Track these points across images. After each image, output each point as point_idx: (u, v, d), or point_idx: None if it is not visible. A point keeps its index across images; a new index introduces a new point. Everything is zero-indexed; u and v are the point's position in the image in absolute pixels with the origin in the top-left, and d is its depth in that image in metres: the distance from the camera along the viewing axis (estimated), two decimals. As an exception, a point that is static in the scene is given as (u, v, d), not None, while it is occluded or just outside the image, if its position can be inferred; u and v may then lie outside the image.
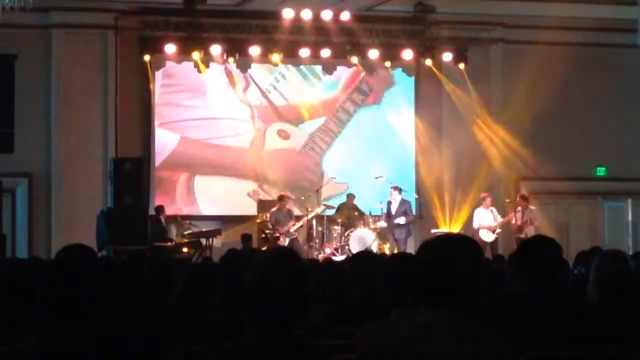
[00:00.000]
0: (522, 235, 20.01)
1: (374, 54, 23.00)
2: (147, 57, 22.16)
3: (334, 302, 7.00)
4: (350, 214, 22.17)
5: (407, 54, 23.20)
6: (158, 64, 22.59)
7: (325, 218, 22.11)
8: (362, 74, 23.71)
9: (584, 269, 8.30)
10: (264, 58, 22.61)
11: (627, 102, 24.26)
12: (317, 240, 22.02)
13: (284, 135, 23.39)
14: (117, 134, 22.05)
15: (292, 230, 21.32)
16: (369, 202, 22.42)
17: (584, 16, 23.32)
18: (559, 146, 23.56)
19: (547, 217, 22.73)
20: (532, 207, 21.69)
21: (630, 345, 4.64)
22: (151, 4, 22.32)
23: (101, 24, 22.02)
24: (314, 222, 22.01)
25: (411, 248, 21.06)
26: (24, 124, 21.18)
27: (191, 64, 22.54)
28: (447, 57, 23.23)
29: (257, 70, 23.19)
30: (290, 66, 23.28)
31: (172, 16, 22.05)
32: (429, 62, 23.26)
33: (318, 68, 23.57)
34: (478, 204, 22.05)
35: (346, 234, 21.91)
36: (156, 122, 22.55)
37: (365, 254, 8.25)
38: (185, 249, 20.84)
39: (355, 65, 23.32)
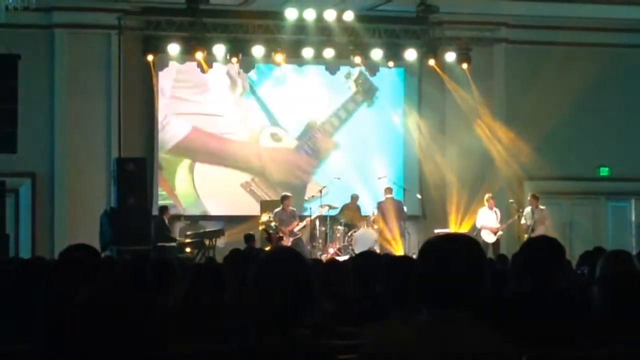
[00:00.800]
0: (533, 235, 19.99)
1: (377, 54, 23.00)
2: (150, 57, 22.16)
3: (337, 302, 7.00)
4: (353, 215, 22.19)
5: (410, 54, 23.19)
6: (161, 64, 22.60)
7: (328, 218, 22.11)
8: (362, 74, 23.74)
9: (588, 269, 8.31)
10: (267, 58, 22.62)
11: (630, 102, 24.26)
12: (320, 241, 22.02)
13: (276, 138, 23.45)
14: (121, 134, 22.05)
15: (295, 230, 21.32)
16: (372, 202, 22.42)
17: (587, 16, 23.30)
18: (562, 146, 23.55)
19: (551, 217, 22.70)
20: (542, 207, 21.72)
21: (635, 345, 4.65)
22: (154, 4, 22.33)
23: (104, 24, 22.01)
24: (318, 223, 22.01)
25: (411, 247, 21.21)
26: (27, 124, 21.21)
27: (194, 63, 22.58)
28: (450, 57, 23.23)
29: (257, 71, 23.24)
30: (291, 66, 23.27)
31: (175, 16, 22.05)
32: (432, 62, 23.25)
33: (321, 68, 23.56)
34: (481, 203, 22.05)
35: (349, 234, 21.92)
36: (164, 114, 22.62)
37: (368, 254, 8.26)
38: (188, 249, 20.86)
39: (358, 65, 23.31)
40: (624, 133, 24.06)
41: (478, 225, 21.74)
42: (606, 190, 24.64)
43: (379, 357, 3.71)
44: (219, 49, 22.13)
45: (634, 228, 24.71)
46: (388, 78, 23.99)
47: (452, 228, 22.29)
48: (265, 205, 22.22)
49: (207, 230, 22.00)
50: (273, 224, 21.19)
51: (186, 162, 23.03)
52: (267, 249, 18.49)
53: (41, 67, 21.70)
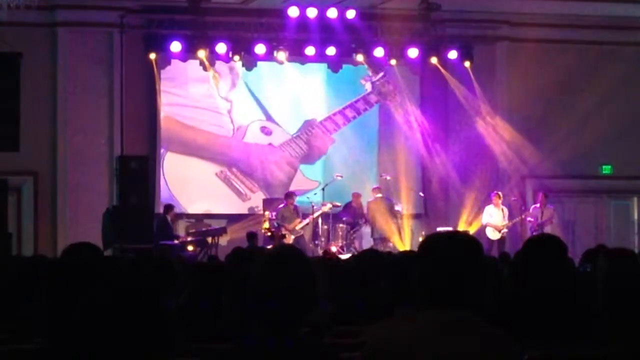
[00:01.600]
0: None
1: (379, 52, 23.00)
2: (152, 56, 22.17)
3: (339, 301, 7.00)
4: (356, 213, 22.20)
5: (413, 52, 23.18)
6: (163, 62, 22.60)
7: (331, 216, 22.11)
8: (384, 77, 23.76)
9: (591, 268, 8.30)
10: (270, 56, 22.61)
11: (633, 100, 24.23)
12: (322, 239, 22.03)
13: (266, 131, 23.35)
14: (123, 132, 22.04)
15: (298, 228, 21.33)
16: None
17: (589, 14, 23.29)
18: (564, 144, 23.53)
19: (557, 215, 22.69)
20: (550, 206, 21.77)
21: (637, 344, 4.64)
22: (156, 2, 22.32)
23: (106, 22, 22.01)
24: (320, 221, 22.02)
25: (415, 246, 21.20)
26: (30, 122, 21.20)
27: (196, 61, 22.60)
28: (453, 55, 23.23)
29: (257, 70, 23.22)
30: (292, 64, 23.24)
31: (177, 14, 22.04)
32: (434, 60, 23.26)
33: (322, 66, 23.56)
34: (484, 201, 22.06)
35: (352, 232, 21.95)
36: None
37: (370, 252, 8.25)
38: (191, 248, 20.86)
39: (360, 63, 23.31)
40: (627, 131, 24.03)
41: (484, 222, 21.77)
42: (609, 189, 24.63)
43: (381, 355, 3.71)
44: (221, 47, 22.13)
45: (637, 226, 24.71)
46: (390, 76, 23.97)
47: (460, 226, 22.26)
48: (268, 204, 22.22)
49: (210, 228, 22.01)
50: (275, 222, 21.21)
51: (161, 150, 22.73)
52: (270, 247, 18.49)
53: (43, 65, 21.69)
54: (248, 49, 22.41)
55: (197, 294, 6.53)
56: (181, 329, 5.80)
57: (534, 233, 20.64)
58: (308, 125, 23.54)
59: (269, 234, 21.08)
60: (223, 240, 21.61)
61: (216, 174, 22.92)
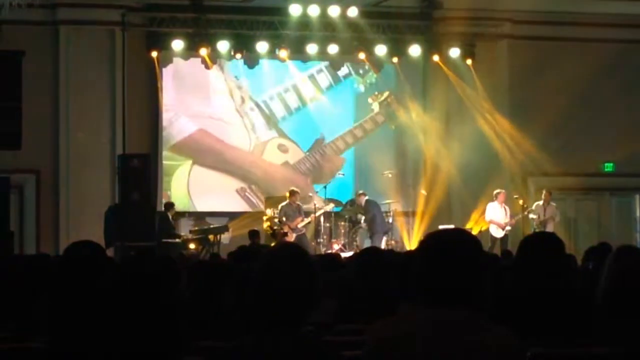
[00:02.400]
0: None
1: (381, 49, 23.00)
2: (154, 54, 22.18)
3: (341, 299, 7.00)
4: (358, 211, 22.21)
5: (415, 50, 23.18)
6: (165, 60, 22.61)
7: (333, 214, 22.12)
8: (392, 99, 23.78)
9: (593, 265, 8.29)
10: (271, 54, 22.62)
11: (635, 98, 24.22)
12: (324, 237, 22.03)
13: (283, 149, 23.44)
14: (125, 130, 22.05)
15: (299, 226, 21.32)
16: (376, 198, 22.40)
17: (591, 12, 23.28)
18: (566, 142, 23.53)
19: (559, 213, 22.68)
20: (553, 204, 21.79)
21: None
22: (158, 0, 22.33)
23: (108, 21, 22.02)
24: (322, 219, 22.01)
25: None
26: (32, 121, 21.17)
27: (198, 60, 22.60)
28: (455, 52, 23.23)
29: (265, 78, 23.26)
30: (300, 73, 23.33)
31: (179, 12, 22.06)
32: (436, 57, 23.26)
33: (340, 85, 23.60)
34: (486, 199, 22.06)
35: (354, 230, 21.95)
36: (173, 112, 22.62)
37: (372, 250, 8.25)
38: (192, 245, 20.85)
39: (362, 61, 23.31)
40: (629, 129, 24.02)
41: (487, 219, 21.78)
42: (610, 186, 24.62)
43: (382, 353, 3.71)
44: (223, 45, 22.14)
45: (639, 223, 24.70)
46: (392, 74, 23.98)
47: (469, 225, 22.26)
48: (270, 202, 22.23)
49: (212, 226, 22.02)
50: (277, 219, 21.21)
51: (186, 163, 22.95)
52: (272, 244, 18.50)
53: (45, 64, 21.70)
54: (250, 47, 22.42)
55: (199, 292, 6.53)
56: (183, 327, 5.79)
57: (537, 230, 20.64)
58: (319, 143, 23.59)
59: (271, 231, 21.09)
60: (225, 238, 21.62)
61: (237, 191, 23.06)
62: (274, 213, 21.45)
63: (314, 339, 4.02)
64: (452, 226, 21.02)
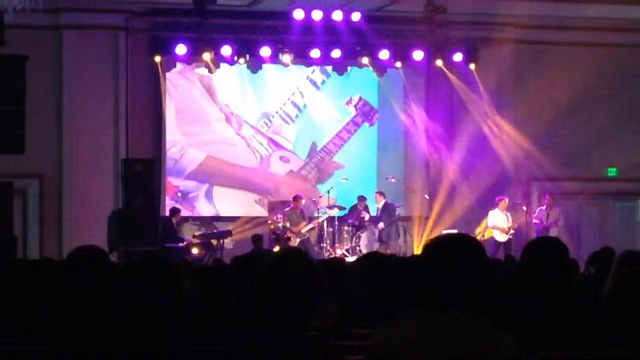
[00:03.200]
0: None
1: (384, 54, 23.00)
2: (157, 58, 22.17)
3: (345, 303, 7.00)
4: (361, 216, 22.25)
5: (418, 55, 23.18)
6: (168, 64, 22.62)
7: (336, 219, 22.14)
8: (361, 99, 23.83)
9: (595, 269, 8.30)
10: (275, 59, 22.63)
11: (638, 102, 24.21)
12: (328, 241, 22.04)
13: (284, 159, 23.53)
14: (128, 134, 22.07)
15: (303, 231, 21.34)
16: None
17: (594, 16, 23.27)
18: (569, 146, 23.53)
19: (563, 218, 22.68)
20: (556, 208, 21.78)
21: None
22: (161, 5, 22.33)
23: (111, 25, 22.04)
24: (325, 224, 22.03)
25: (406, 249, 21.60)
26: (35, 125, 21.23)
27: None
28: (458, 57, 23.22)
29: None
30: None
31: (182, 17, 22.04)
32: (439, 62, 23.24)
33: (325, 93, 23.63)
34: (489, 203, 22.07)
35: (357, 234, 21.96)
36: (180, 146, 22.93)
37: (375, 254, 8.25)
38: (196, 250, 20.86)
39: (365, 65, 23.31)
40: (632, 133, 24.02)
41: (490, 225, 21.78)
42: (613, 191, 24.61)
43: (386, 357, 3.71)
44: (226, 50, 22.14)
45: (642, 228, 24.71)
46: (395, 78, 24.00)
47: (477, 231, 22.27)
48: (273, 206, 22.25)
49: (215, 231, 22.04)
50: (280, 224, 21.23)
51: (205, 186, 23.15)
52: (275, 249, 18.51)
53: (49, 68, 21.72)
54: (253, 52, 22.42)
55: (202, 296, 6.54)
56: (186, 331, 5.80)
57: (540, 235, 20.63)
58: (314, 149, 23.69)
59: (274, 236, 21.10)
60: (228, 243, 21.63)
61: (255, 201, 23.24)
62: (277, 218, 21.48)
63: (318, 343, 4.02)
64: (455, 231, 21.07)
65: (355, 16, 22.34)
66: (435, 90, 23.94)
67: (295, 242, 20.92)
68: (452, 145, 23.51)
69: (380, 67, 23.65)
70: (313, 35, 22.60)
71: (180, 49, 21.95)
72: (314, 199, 22.28)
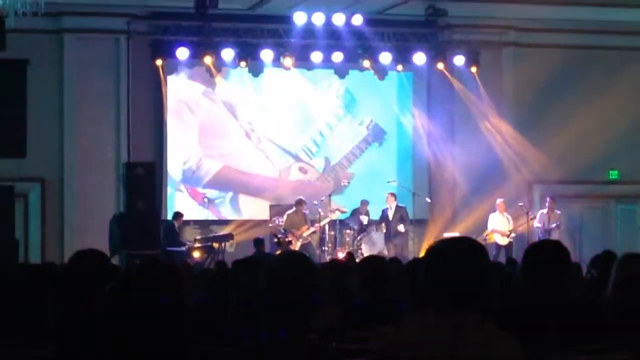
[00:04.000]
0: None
1: (386, 57, 22.99)
2: (159, 62, 22.19)
3: (345, 306, 7.01)
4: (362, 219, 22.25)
5: (419, 58, 23.18)
6: (170, 68, 22.64)
7: (338, 222, 22.14)
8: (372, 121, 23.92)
9: (598, 273, 8.30)
10: (276, 62, 22.64)
11: None
12: (329, 245, 22.04)
13: (303, 170, 23.60)
14: (130, 138, 22.07)
15: (305, 234, 21.33)
16: (382, 206, 22.40)
17: (595, 19, 23.28)
18: (571, 149, 23.52)
19: (564, 221, 22.67)
20: (557, 211, 21.78)
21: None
22: (163, 9, 22.35)
23: (113, 29, 22.05)
24: (327, 227, 22.02)
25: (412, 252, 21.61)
26: (36, 129, 21.24)
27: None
28: (459, 60, 23.22)
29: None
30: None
31: (184, 20, 22.05)
32: (441, 65, 23.25)
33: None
34: (491, 206, 22.06)
35: (358, 238, 21.95)
36: (198, 157, 23.09)
37: (375, 258, 8.26)
38: (197, 254, 20.86)
39: (367, 68, 23.32)
40: (634, 136, 24.01)
41: (489, 229, 21.78)
42: (615, 194, 24.59)
43: (389, 359, 3.72)
44: (228, 53, 22.15)
45: (643, 231, 24.68)
46: (397, 82, 24.00)
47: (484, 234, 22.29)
48: (275, 210, 22.25)
49: (217, 234, 22.03)
50: (282, 228, 21.23)
51: (228, 195, 23.27)
52: (277, 253, 18.51)
53: (50, 72, 21.73)
54: (254, 55, 22.43)
55: (203, 299, 6.55)
56: (187, 333, 5.80)
57: (542, 238, 20.61)
58: (328, 163, 23.80)
59: (276, 239, 21.09)
60: (230, 246, 21.63)
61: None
62: (279, 221, 21.48)
63: (319, 345, 4.03)
64: (456, 234, 21.07)
65: (357, 19, 22.33)
66: (436, 94, 23.94)
67: (296, 245, 20.91)
68: (453, 148, 23.50)
69: (381, 70, 23.64)
70: (314, 38, 22.62)
71: (182, 53, 21.98)
72: (315, 202, 22.25)
